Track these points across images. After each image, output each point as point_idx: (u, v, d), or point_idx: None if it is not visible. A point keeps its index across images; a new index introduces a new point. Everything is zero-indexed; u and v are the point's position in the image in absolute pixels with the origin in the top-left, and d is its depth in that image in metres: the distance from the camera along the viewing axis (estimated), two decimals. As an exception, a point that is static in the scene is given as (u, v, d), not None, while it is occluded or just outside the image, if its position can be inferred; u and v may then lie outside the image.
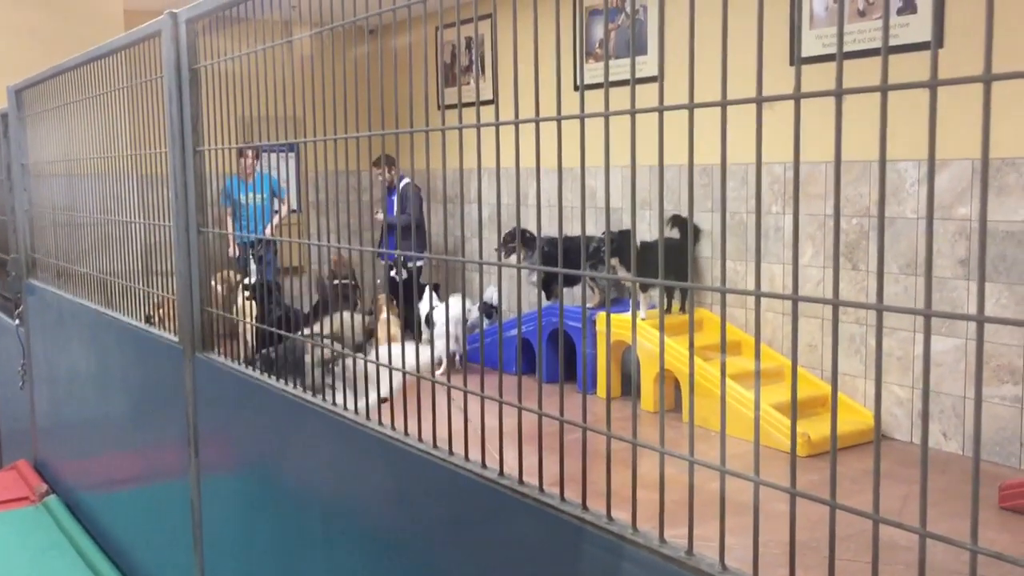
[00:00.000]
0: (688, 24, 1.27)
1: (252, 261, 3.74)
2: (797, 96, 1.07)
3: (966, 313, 0.95)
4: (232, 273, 3.00)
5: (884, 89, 0.96)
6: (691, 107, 1.19)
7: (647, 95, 1.31)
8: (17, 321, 5.20)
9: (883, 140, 1.00)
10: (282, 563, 2.56)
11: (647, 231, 7.54)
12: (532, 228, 7.47)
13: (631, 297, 7.18)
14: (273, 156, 3.06)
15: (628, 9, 7.64)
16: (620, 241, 6.94)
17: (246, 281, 4.16)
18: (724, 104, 1.16)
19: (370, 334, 3.81)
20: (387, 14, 1.90)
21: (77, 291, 4.26)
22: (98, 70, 3.70)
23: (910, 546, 1.05)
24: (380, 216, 7.53)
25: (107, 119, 3.66)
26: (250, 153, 5.51)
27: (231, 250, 3.14)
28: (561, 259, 1.69)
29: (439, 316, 7.58)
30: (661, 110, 1.24)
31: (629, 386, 7.11)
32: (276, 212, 6.93)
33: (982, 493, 1.03)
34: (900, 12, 5.79)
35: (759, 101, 1.11)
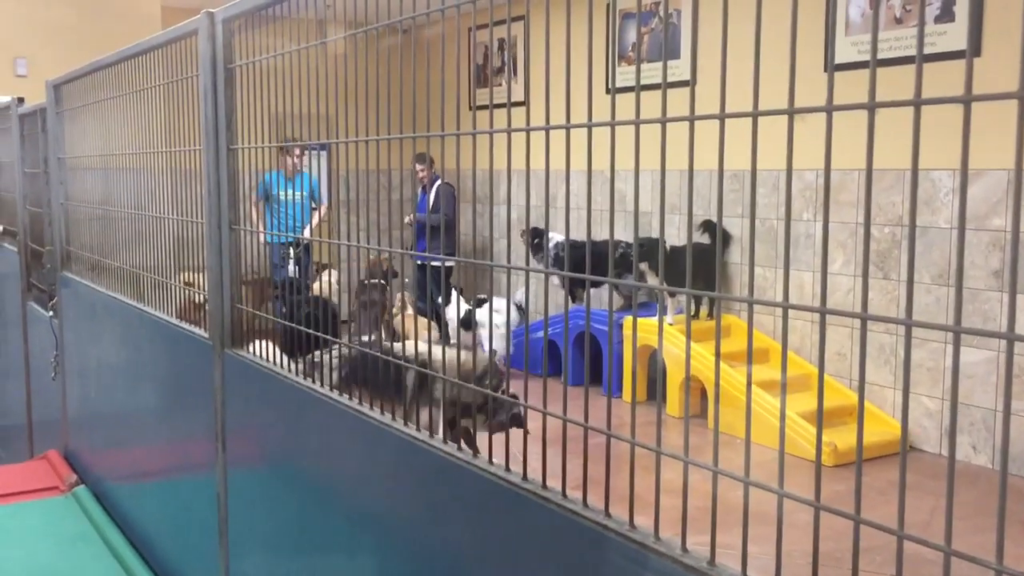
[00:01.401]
0: (721, 28, 1.26)
1: (291, 260, 3.74)
2: (829, 109, 1.07)
3: (997, 330, 0.94)
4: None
5: (918, 103, 0.96)
6: (722, 117, 1.19)
7: (679, 98, 1.31)
8: (51, 312, 5.27)
9: (915, 154, 0.99)
10: (306, 558, 2.58)
11: (676, 236, 7.51)
12: (560, 231, 7.48)
13: (658, 301, 7.16)
14: (313, 155, 3.07)
15: (661, 13, 7.62)
16: (649, 247, 6.93)
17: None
18: (755, 115, 1.16)
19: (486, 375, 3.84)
20: (420, 14, 1.91)
21: (110, 284, 4.32)
22: (135, 67, 3.74)
23: (936, 560, 1.04)
24: (410, 219, 7.54)
25: (143, 116, 3.70)
26: (297, 151, 5.53)
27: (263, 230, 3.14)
28: (589, 264, 1.69)
29: (484, 319, 7.55)
30: (692, 120, 1.24)
31: (655, 390, 7.10)
32: (315, 210, 6.95)
33: (1011, 508, 1.02)
34: (937, 20, 5.73)
35: (791, 113, 1.11)
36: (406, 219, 6.93)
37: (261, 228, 3.21)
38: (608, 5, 7.46)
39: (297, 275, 3.86)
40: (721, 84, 1.24)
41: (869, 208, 1.08)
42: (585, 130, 1.48)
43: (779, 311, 1.15)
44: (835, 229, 6.38)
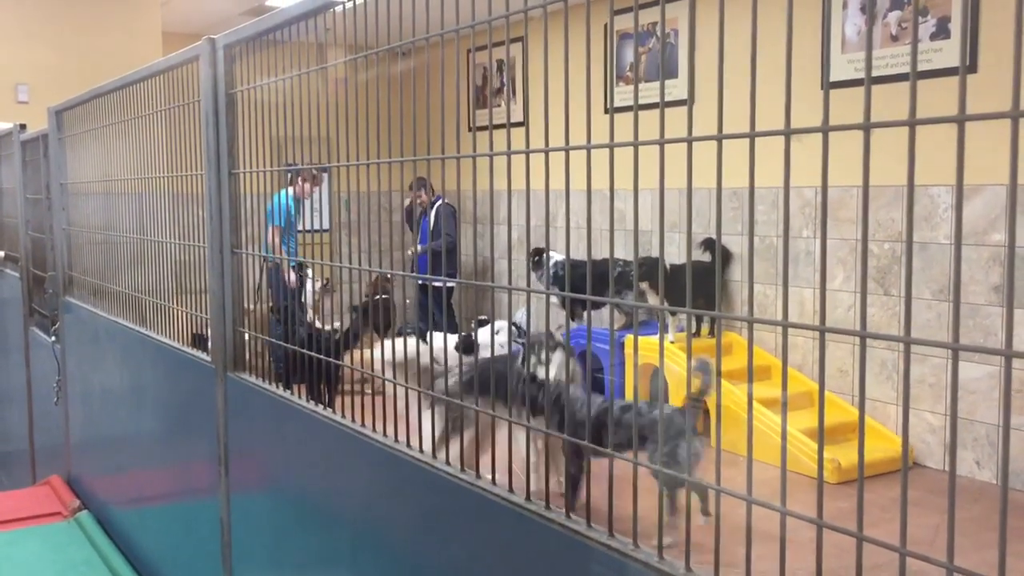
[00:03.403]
0: (718, 48, 1.28)
1: (316, 283, 3.72)
2: (826, 129, 1.08)
3: (996, 347, 0.95)
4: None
5: (912, 123, 0.97)
6: (719, 138, 1.20)
7: (677, 117, 1.32)
8: (53, 338, 5.27)
9: (911, 173, 1.00)
10: (310, 583, 2.57)
11: (676, 254, 7.52)
12: (561, 250, 7.49)
13: (659, 320, 7.15)
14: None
15: (658, 33, 7.67)
16: (649, 265, 6.94)
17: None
18: (752, 136, 1.17)
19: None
20: (419, 35, 1.93)
21: (112, 309, 4.33)
22: (136, 93, 3.77)
23: (940, 577, 1.04)
24: (412, 251, 7.52)
25: (144, 141, 3.72)
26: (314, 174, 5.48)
27: (288, 277, 3.04)
28: (590, 283, 1.69)
29: (483, 340, 7.53)
30: (690, 141, 1.25)
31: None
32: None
33: (1013, 524, 1.02)
34: (933, 37, 5.77)
35: (787, 133, 1.12)
36: (408, 252, 6.92)
37: (284, 255, 3.20)
38: (605, 26, 7.51)
39: (302, 295, 3.86)
40: (719, 105, 1.25)
41: (867, 226, 1.09)
42: (584, 153, 1.49)
43: (779, 328, 1.16)
44: (835, 246, 6.39)
